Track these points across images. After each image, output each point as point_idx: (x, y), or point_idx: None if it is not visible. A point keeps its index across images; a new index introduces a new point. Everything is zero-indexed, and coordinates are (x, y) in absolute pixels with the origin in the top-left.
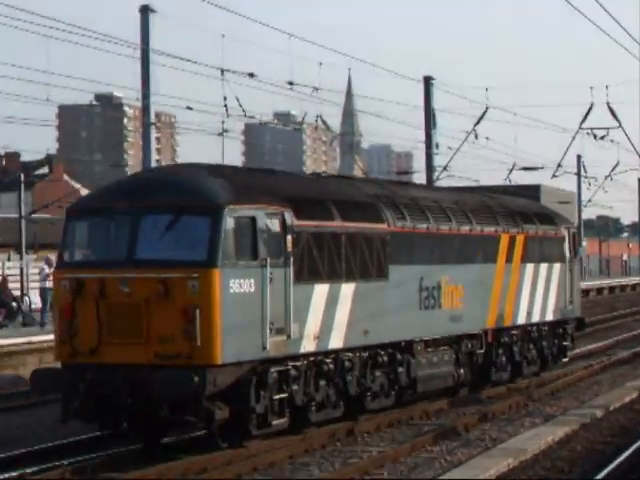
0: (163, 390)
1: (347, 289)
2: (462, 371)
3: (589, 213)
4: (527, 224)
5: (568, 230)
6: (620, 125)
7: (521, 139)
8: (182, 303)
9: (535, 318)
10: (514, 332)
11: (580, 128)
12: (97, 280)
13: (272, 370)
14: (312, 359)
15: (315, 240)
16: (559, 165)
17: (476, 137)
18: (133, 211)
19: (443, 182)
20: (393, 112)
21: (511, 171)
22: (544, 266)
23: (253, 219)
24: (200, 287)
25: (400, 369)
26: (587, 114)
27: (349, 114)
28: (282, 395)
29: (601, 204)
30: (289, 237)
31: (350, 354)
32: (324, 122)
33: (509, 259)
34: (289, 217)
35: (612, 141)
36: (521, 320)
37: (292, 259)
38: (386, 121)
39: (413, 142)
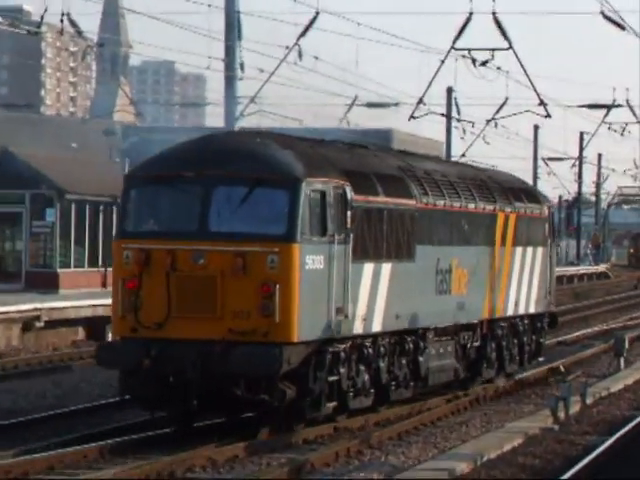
0: (245, 366)
1: (385, 269)
2: (459, 365)
3: None
4: (518, 202)
5: (549, 209)
6: (511, 46)
7: (366, 62)
8: (260, 278)
9: (521, 309)
10: (503, 324)
11: (453, 48)
12: (167, 251)
13: (329, 350)
14: (357, 341)
15: (366, 216)
16: (420, 102)
17: (300, 56)
18: (205, 181)
19: (251, 119)
20: (179, 17)
21: (350, 107)
22: (530, 250)
23: (323, 193)
24: (280, 262)
25: (421, 358)
26: (463, 29)
27: (112, 14)
28: (335, 377)
29: (483, 159)
30: (349, 213)
31: (387, 339)
32: (73, 24)
33: (503, 242)
34: (349, 192)
35: (499, 69)
36: (510, 311)
37: (352, 236)
38: (168, 27)
39: (206, 60)
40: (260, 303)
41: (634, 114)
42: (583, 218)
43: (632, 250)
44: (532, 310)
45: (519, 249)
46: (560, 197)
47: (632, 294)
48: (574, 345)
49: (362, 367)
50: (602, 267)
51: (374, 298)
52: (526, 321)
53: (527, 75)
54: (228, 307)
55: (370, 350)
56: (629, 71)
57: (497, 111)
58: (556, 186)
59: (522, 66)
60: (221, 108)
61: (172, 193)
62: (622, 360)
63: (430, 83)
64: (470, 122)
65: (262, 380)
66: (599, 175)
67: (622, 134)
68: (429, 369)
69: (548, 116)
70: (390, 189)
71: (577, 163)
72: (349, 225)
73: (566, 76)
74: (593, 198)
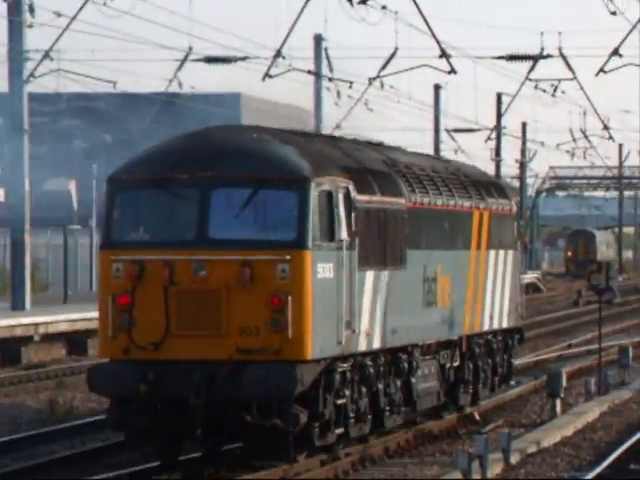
0: (258, 388)
1: (383, 278)
2: (441, 388)
3: None
4: (489, 197)
5: (516, 204)
6: None
7: (204, 3)
8: (270, 289)
9: (495, 324)
10: (480, 341)
11: None
12: (164, 263)
13: (338, 370)
14: (359, 360)
15: (367, 219)
16: (278, 55)
17: None
18: (201, 183)
19: (46, 81)
20: None
21: (182, 63)
22: (502, 254)
23: (330, 194)
24: (292, 271)
25: (413, 380)
26: None
27: None
28: (342, 401)
29: (365, 132)
30: (353, 215)
31: (383, 357)
32: None
33: (479, 245)
34: (353, 191)
35: (385, 8)
36: (486, 326)
37: (357, 241)
38: None
39: None
40: (270, 317)
41: (569, 67)
42: None
43: (570, 253)
44: (505, 325)
45: (492, 253)
46: None
47: (571, 313)
48: None
49: (364, 389)
50: (530, 276)
51: (375, 311)
52: (499, 338)
53: (423, 17)
54: (234, 323)
55: (371, 370)
56: (561, 11)
57: (383, 66)
58: None
59: (416, 4)
60: (3, 67)
61: (165, 198)
62: (558, 403)
63: (291, 29)
64: (347, 82)
65: (274, 404)
66: (523, 151)
67: (553, 95)
68: (418, 392)
69: (452, 72)
70: (383, 187)
71: (493, 135)
72: (354, 228)
73: (476, 18)
74: (516, 182)
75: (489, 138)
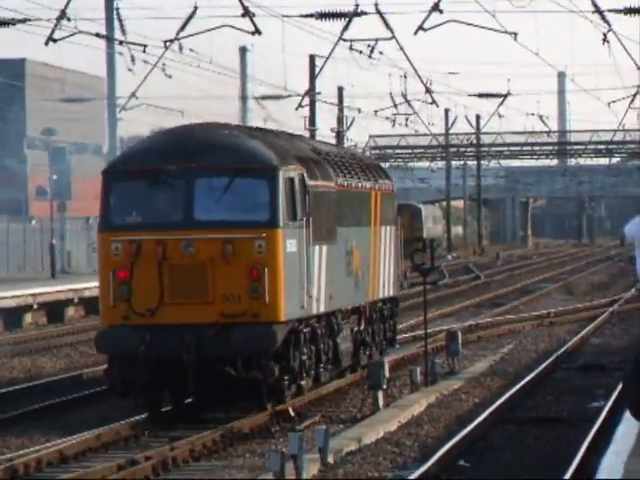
0: (243, 346)
1: (323, 251)
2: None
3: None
4: (379, 178)
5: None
6: None
7: None
8: (249, 262)
9: (386, 292)
10: (375, 308)
11: None
12: (157, 241)
13: (305, 330)
14: (311, 322)
15: (315, 201)
16: (62, 17)
17: None
18: (187, 173)
19: None
20: None
21: None
22: (386, 229)
23: (292, 180)
24: (267, 247)
25: (338, 340)
26: None
27: None
28: (305, 356)
29: (163, 101)
30: (307, 198)
31: (324, 320)
32: None
33: (375, 220)
34: (306, 178)
35: None
36: (380, 294)
37: (311, 220)
38: None
39: None
40: (249, 286)
41: (387, 26)
42: None
43: None
44: (392, 293)
45: (383, 228)
46: None
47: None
48: None
49: (313, 348)
50: None
51: (320, 279)
52: (388, 305)
53: None
54: (219, 291)
55: (318, 330)
56: None
57: (181, 28)
58: None
59: None
60: None
61: (156, 186)
62: (380, 395)
63: None
64: (141, 45)
65: (254, 359)
66: (340, 119)
67: (370, 56)
68: (342, 352)
69: (257, 32)
70: (320, 173)
71: (305, 102)
72: (308, 209)
73: None
74: None
75: (301, 105)
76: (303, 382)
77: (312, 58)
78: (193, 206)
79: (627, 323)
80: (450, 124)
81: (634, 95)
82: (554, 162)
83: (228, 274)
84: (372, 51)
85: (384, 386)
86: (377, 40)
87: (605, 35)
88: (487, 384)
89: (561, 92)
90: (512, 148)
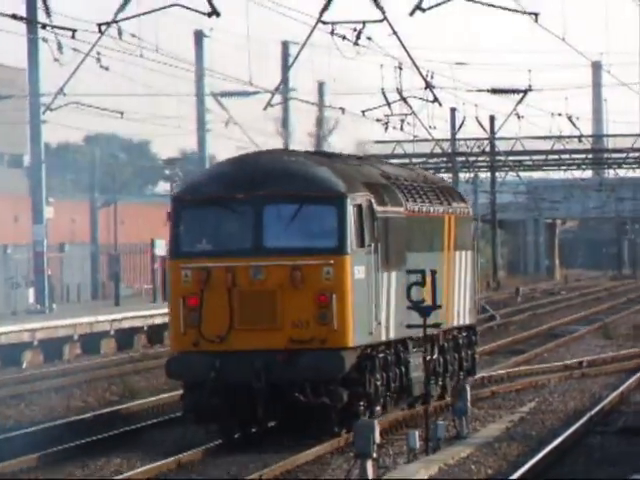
0: (312, 371)
1: (393, 278)
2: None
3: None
4: (454, 202)
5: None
6: None
7: None
8: (317, 289)
9: (461, 320)
10: (449, 336)
11: None
12: (227, 269)
13: (380, 356)
14: (383, 348)
15: (383, 227)
16: None
17: None
18: (255, 201)
19: None
20: None
21: None
22: (464, 254)
23: (360, 207)
24: (335, 273)
25: (410, 368)
26: None
27: None
28: (379, 382)
29: (95, 100)
30: (375, 224)
31: (394, 347)
32: None
33: (448, 246)
34: (374, 204)
35: None
36: (455, 322)
37: (380, 246)
38: None
39: None
40: (318, 312)
41: (377, 5)
42: None
43: None
44: (467, 321)
45: (457, 254)
46: None
47: None
48: None
49: (385, 374)
50: None
51: (389, 306)
52: (464, 333)
53: None
54: (287, 318)
55: (389, 358)
56: None
57: (121, 8)
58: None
59: None
60: None
61: (225, 214)
62: (369, 465)
63: None
64: (69, 29)
65: (322, 385)
66: (320, 121)
67: (357, 43)
68: (412, 380)
69: (215, 14)
70: (389, 198)
71: (276, 100)
72: (376, 235)
73: None
74: None
75: (270, 104)
76: (378, 408)
77: (285, 46)
78: (262, 233)
79: None
80: (457, 127)
81: None
82: (587, 174)
83: (297, 301)
84: (359, 36)
85: (374, 454)
86: (365, 23)
87: None
88: (502, 451)
89: (596, 87)
90: (535, 157)
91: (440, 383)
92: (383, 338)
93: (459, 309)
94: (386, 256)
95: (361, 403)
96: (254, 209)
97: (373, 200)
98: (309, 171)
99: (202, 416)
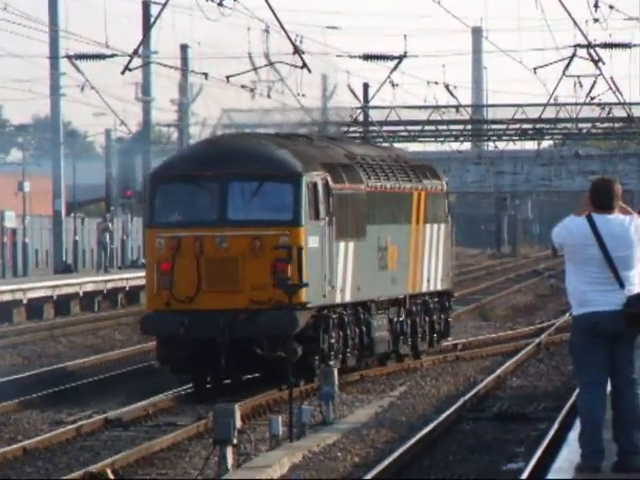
0: (269, 329)
1: (350, 247)
2: (390, 338)
3: None
4: (425, 179)
5: (446, 184)
6: None
7: None
8: (274, 256)
9: (431, 286)
10: (419, 301)
11: None
12: (195, 238)
13: (333, 316)
14: (338, 309)
15: (339, 202)
16: None
17: None
18: (221, 178)
19: None
20: None
21: None
22: (435, 227)
23: (315, 184)
24: (290, 242)
25: (371, 328)
26: None
27: None
28: (336, 339)
29: None
30: (331, 200)
31: (351, 309)
32: None
33: (417, 219)
34: (330, 182)
35: None
36: (424, 288)
37: (335, 219)
38: None
39: None
40: (275, 277)
41: None
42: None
43: None
44: (439, 287)
45: (428, 226)
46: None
47: None
48: None
49: (340, 333)
50: None
51: (346, 272)
52: (435, 299)
53: None
54: (248, 281)
55: (345, 318)
56: None
57: None
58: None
59: None
60: None
61: (194, 189)
62: (229, 452)
63: None
64: None
65: (279, 341)
66: (183, 87)
67: (221, 3)
68: (374, 339)
69: None
70: (348, 176)
71: (135, 63)
72: (331, 209)
73: None
74: (174, 133)
75: (128, 68)
76: (331, 362)
77: (146, 5)
78: (227, 207)
79: (557, 358)
80: (328, 95)
81: (570, 58)
82: (466, 146)
83: (256, 266)
84: None
85: (234, 440)
86: None
87: None
88: (370, 438)
89: (476, 54)
90: (410, 128)
91: (409, 343)
92: (338, 300)
93: (429, 276)
94: (342, 227)
95: (316, 357)
96: (220, 185)
97: (329, 178)
98: (270, 152)
99: (174, 367)
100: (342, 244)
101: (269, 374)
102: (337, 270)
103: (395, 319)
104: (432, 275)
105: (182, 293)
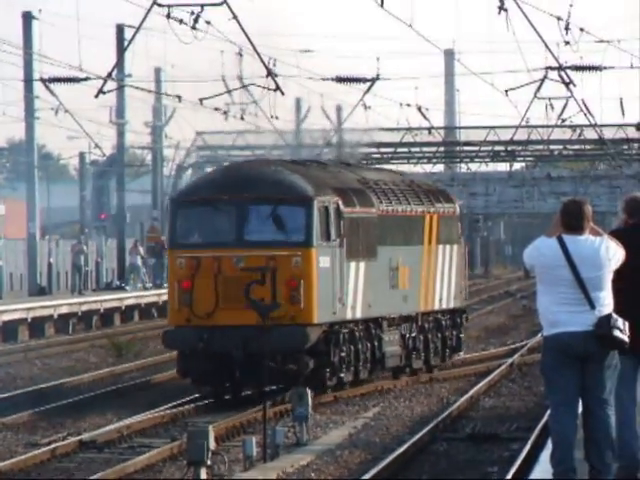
0: (282, 343)
1: (362, 266)
2: (402, 353)
3: None
4: (437, 203)
5: (460, 208)
6: None
7: None
8: (288, 275)
9: (444, 304)
10: (430, 318)
11: None
12: (213, 258)
13: (344, 331)
14: (349, 325)
15: (350, 224)
16: None
17: None
18: (238, 202)
19: None
20: None
21: None
22: (448, 248)
23: (327, 208)
24: (303, 263)
25: (381, 344)
26: None
27: None
28: (344, 353)
29: None
30: (342, 222)
31: (362, 325)
32: None
33: (429, 240)
34: (341, 205)
35: None
36: (437, 305)
37: (345, 240)
38: None
39: None
40: (288, 294)
41: None
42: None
43: None
44: (451, 305)
45: (440, 247)
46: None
47: None
48: None
49: (352, 347)
50: None
51: (357, 290)
52: (447, 316)
53: None
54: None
55: (356, 333)
56: None
57: None
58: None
59: None
60: None
61: (213, 212)
62: (203, 473)
63: None
64: None
65: (291, 355)
66: (157, 110)
67: (194, 27)
68: (386, 353)
69: None
70: (360, 200)
71: (109, 86)
72: (342, 232)
73: None
74: (148, 156)
75: (102, 91)
76: (343, 374)
77: (120, 29)
78: (243, 229)
79: (530, 378)
80: (302, 117)
81: (541, 81)
82: (438, 168)
83: (271, 284)
84: (197, 20)
85: (208, 462)
86: (203, 6)
87: (502, 2)
88: (344, 459)
89: (448, 76)
90: (383, 150)
91: (422, 358)
92: (349, 317)
93: (441, 295)
94: (353, 249)
95: (327, 370)
96: (237, 209)
97: (341, 202)
98: (283, 177)
99: (194, 379)
100: (353, 264)
101: (284, 384)
102: (348, 288)
103: (407, 335)
104: (444, 293)
105: (201, 309)
